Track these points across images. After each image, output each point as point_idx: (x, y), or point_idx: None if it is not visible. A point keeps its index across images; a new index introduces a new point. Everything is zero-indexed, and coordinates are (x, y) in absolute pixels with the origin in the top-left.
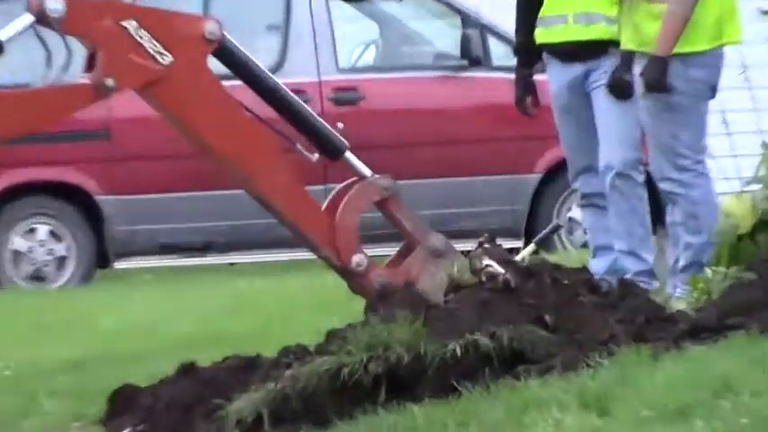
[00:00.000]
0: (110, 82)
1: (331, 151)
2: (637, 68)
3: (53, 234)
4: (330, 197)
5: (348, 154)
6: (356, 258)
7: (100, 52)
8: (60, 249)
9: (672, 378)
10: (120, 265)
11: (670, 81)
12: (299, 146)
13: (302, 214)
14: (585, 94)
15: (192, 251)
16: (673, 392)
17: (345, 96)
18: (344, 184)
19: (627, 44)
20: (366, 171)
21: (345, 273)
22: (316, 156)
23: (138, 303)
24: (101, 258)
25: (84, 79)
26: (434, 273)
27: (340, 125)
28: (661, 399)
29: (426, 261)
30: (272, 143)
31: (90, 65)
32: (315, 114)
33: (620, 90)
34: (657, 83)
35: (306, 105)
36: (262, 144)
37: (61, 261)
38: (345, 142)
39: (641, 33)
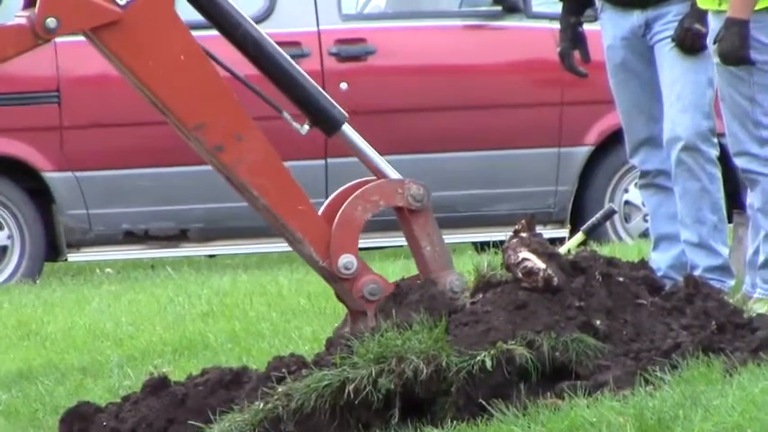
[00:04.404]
0: (51, 22)
1: (324, 124)
2: (713, 26)
3: None
4: (331, 198)
5: (349, 131)
6: (344, 259)
7: None
8: (1, 238)
9: (750, 398)
10: (74, 257)
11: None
12: (285, 114)
13: (280, 199)
14: (647, 47)
15: (163, 240)
16: (751, 416)
17: (351, 50)
18: (352, 183)
19: (704, 2)
20: (388, 169)
21: (330, 276)
22: (306, 128)
23: (97, 304)
24: (50, 249)
25: (21, 18)
26: None
27: (344, 86)
28: (737, 423)
29: None
30: (243, 111)
31: (29, 1)
32: (308, 77)
33: (690, 42)
34: (734, 53)
35: (296, 65)
36: (233, 110)
37: (2, 252)
38: (344, 113)
39: None
